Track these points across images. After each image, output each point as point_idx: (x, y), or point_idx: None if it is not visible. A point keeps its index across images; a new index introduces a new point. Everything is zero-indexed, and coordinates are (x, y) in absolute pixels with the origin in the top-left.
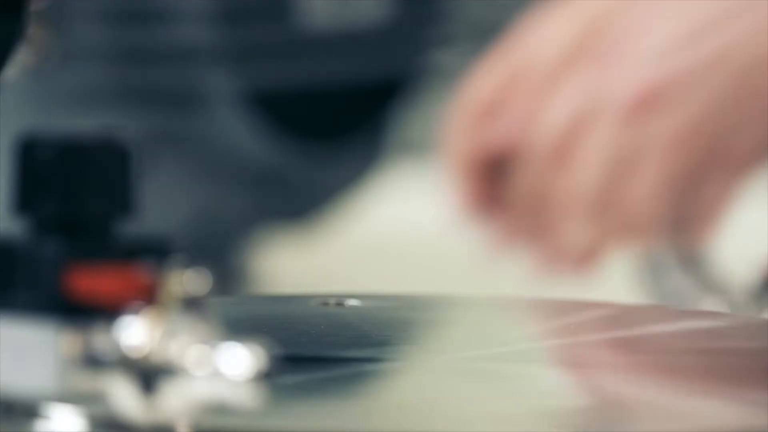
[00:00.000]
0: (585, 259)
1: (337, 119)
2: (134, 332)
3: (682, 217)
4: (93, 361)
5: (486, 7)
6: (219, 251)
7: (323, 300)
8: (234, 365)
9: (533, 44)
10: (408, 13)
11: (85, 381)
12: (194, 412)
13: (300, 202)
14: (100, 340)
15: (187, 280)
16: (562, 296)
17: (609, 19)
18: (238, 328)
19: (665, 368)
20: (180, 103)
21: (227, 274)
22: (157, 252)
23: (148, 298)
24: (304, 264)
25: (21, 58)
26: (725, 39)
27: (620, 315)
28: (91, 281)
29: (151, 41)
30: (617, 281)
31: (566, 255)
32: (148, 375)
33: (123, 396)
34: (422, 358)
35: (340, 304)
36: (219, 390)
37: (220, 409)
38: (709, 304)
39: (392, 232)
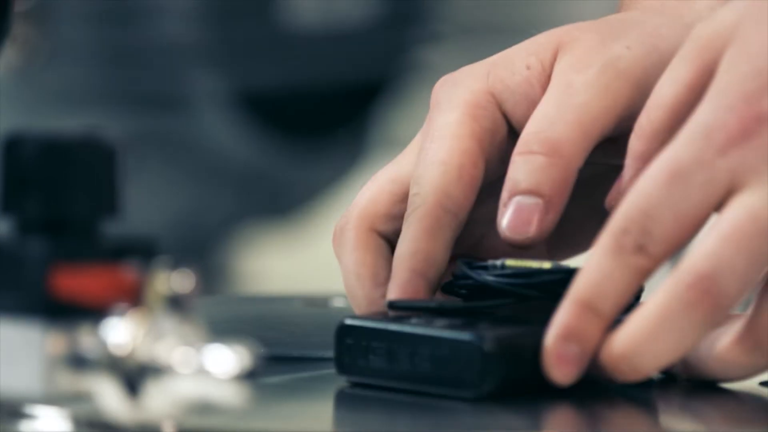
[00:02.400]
0: None
1: (322, 118)
2: (119, 332)
3: None
4: (78, 361)
5: (473, 5)
6: (204, 251)
7: (308, 300)
8: (219, 365)
9: None
10: (393, 13)
11: (71, 381)
12: (179, 411)
13: (284, 201)
14: (85, 340)
15: (172, 280)
16: None
17: None
18: (223, 328)
19: None
20: (165, 103)
21: (212, 274)
22: (142, 252)
23: (133, 298)
24: (289, 263)
25: (7, 58)
26: None
27: None
28: (76, 281)
29: (136, 42)
30: None
31: None
32: (134, 375)
33: (108, 396)
34: None
35: (324, 305)
36: (204, 389)
37: (205, 408)
38: None
39: None
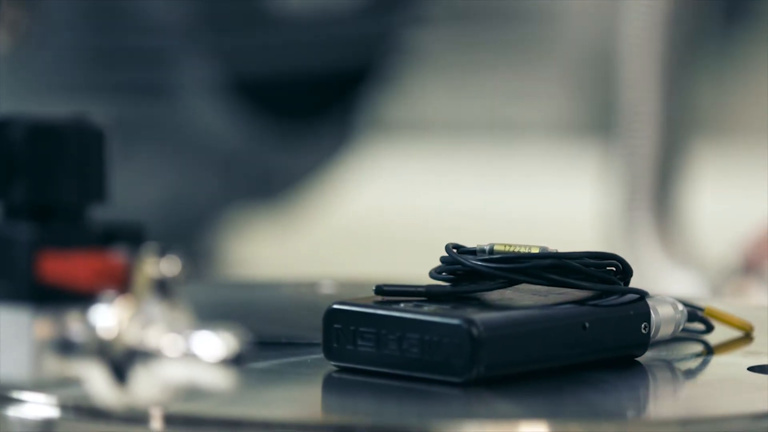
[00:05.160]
0: None
1: (309, 102)
2: (107, 317)
3: None
4: (66, 347)
5: None
6: (192, 237)
7: (296, 285)
8: (206, 350)
9: None
10: None
11: (58, 366)
12: (167, 396)
13: (272, 185)
14: (73, 325)
15: (160, 265)
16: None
17: None
18: (210, 314)
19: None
20: (153, 88)
21: (201, 259)
22: (130, 238)
23: (121, 283)
24: (277, 248)
25: None
26: None
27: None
28: (64, 267)
29: (124, 28)
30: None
31: None
32: (121, 360)
33: (96, 381)
34: None
35: (312, 290)
36: (191, 374)
37: (192, 393)
38: (685, 279)
39: (367, 213)
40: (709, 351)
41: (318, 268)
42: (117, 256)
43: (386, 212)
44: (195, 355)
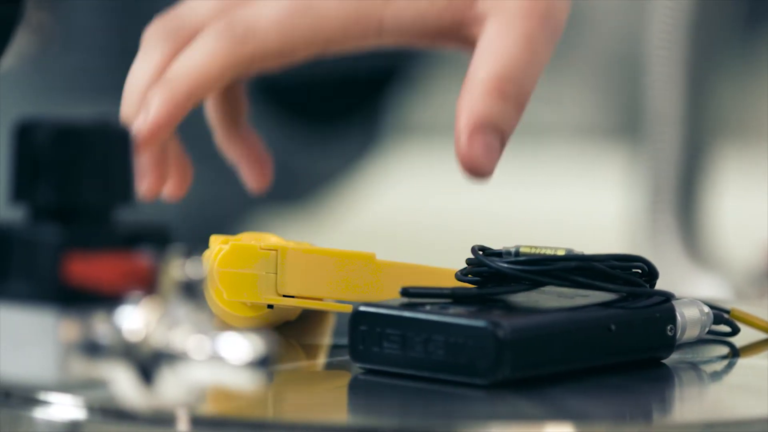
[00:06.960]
0: None
1: (335, 105)
2: (133, 319)
3: None
4: (92, 348)
5: None
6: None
7: None
8: (233, 352)
9: None
10: None
11: (85, 368)
12: (193, 398)
13: (298, 188)
14: (99, 327)
15: (185, 267)
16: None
17: None
18: None
19: None
20: None
21: None
22: (155, 239)
23: (147, 285)
24: None
25: (20, 45)
26: None
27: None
28: (90, 268)
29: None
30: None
31: None
32: (147, 362)
33: (122, 382)
34: None
35: None
36: (218, 376)
37: (219, 395)
38: (709, 282)
39: (393, 215)
40: (735, 353)
41: None
42: (143, 258)
43: (411, 214)
44: (221, 357)
